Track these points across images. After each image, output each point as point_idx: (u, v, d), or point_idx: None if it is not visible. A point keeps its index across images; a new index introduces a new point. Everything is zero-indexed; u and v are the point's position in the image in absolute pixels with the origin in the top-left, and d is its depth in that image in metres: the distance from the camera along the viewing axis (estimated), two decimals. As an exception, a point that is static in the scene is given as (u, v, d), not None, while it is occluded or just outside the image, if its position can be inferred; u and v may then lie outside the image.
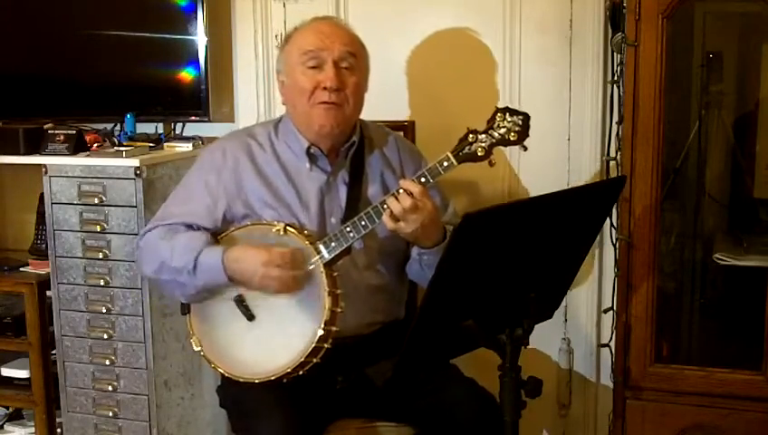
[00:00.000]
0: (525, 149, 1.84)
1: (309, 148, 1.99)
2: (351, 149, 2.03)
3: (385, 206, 1.81)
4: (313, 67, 1.94)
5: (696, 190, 2.37)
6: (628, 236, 2.07)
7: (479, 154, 1.81)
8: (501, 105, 1.84)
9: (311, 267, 1.83)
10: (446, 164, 1.81)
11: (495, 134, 1.81)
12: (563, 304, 2.45)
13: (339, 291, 1.82)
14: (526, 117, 1.81)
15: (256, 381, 1.84)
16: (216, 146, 2.07)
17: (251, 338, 1.88)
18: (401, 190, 1.79)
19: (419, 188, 1.79)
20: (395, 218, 1.79)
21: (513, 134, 1.80)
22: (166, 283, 1.97)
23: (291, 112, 2.04)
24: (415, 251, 1.98)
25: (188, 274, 1.88)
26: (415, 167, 2.05)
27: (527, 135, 1.81)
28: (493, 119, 1.82)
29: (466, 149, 1.81)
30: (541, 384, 1.61)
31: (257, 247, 1.85)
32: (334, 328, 1.81)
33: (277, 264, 1.81)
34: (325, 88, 1.92)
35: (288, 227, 1.86)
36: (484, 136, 1.81)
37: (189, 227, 1.96)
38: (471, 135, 1.81)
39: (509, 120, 1.81)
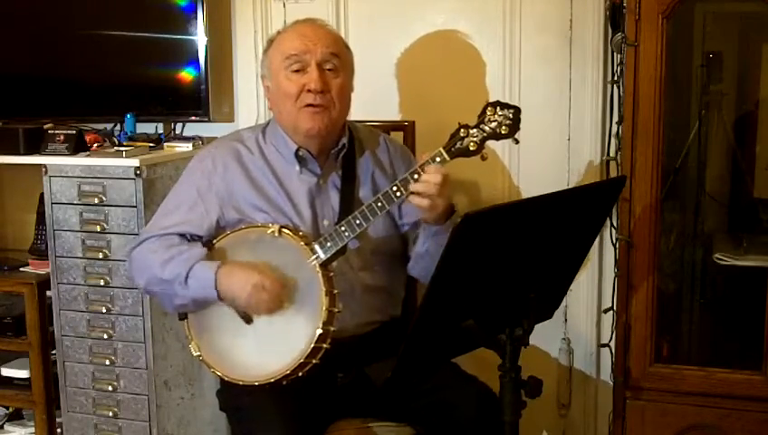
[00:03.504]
0: (517, 142, 1.84)
1: (297, 150, 1.99)
2: (341, 151, 2.03)
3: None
4: (297, 71, 1.94)
5: (696, 190, 2.37)
6: (628, 236, 2.07)
7: (471, 149, 1.81)
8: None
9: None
10: (438, 160, 1.81)
11: (486, 128, 1.81)
12: (563, 304, 2.45)
13: (336, 291, 1.82)
14: (517, 110, 1.81)
15: (256, 384, 1.83)
16: (205, 153, 2.07)
17: (249, 341, 1.88)
18: (416, 176, 1.79)
19: (435, 165, 1.79)
20: (431, 197, 1.78)
21: (504, 128, 1.81)
22: (157, 294, 1.98)
23: (278, 117, 2.04)
24: (420, 243, 1.97)
25: (180, 284, 1.87)
26: (406, 166, 2.04)
27: (518, 128, 1.82)
28: (483, 113, 1.82)
29: (458, 145, 1.81)
30: (541, 384, 1.61)
31: (249, 266, 1.84)
32: (332, 328, 1.80)
33: (265, 286, 1.81)
34: (309, 90, 1.92)
35: (283, 229, 1.86)
36: (475, 130, 1.81)
37: (182, 236, 1.96)
38: (462, 130, 1.81)
39: (500, 113, 1.81)
